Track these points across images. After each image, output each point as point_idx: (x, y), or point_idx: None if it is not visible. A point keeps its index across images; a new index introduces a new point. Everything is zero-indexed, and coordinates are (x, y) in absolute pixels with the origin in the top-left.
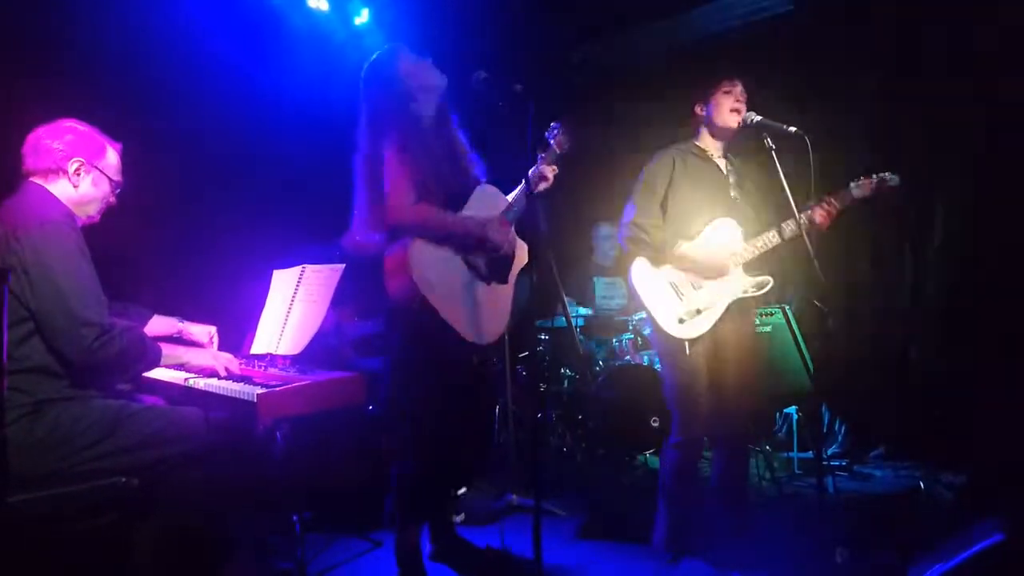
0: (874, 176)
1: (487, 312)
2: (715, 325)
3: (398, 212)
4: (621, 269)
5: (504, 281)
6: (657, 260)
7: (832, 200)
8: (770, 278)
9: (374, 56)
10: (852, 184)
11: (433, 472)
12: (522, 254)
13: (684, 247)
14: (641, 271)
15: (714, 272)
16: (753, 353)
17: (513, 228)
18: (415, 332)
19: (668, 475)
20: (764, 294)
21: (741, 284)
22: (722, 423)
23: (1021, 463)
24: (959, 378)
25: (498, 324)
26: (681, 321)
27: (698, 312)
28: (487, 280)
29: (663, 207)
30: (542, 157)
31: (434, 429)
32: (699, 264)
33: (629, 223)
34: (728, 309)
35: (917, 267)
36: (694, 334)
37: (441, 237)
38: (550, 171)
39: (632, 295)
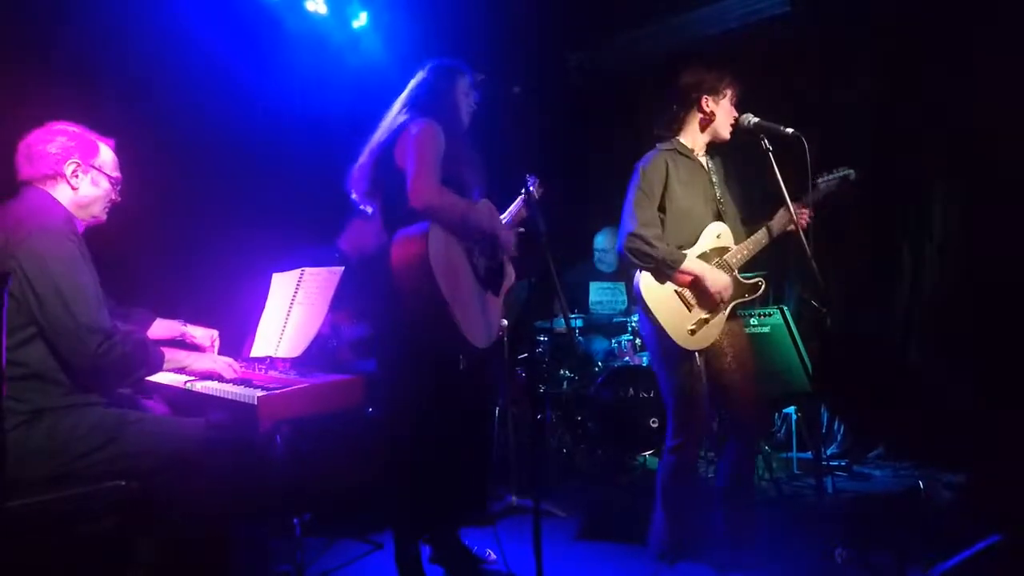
0: (835, 171)
1: (483, 317)
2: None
3: (427, 191)
4: (623, 275)
5: (496, 293)
6: (661, 275)
7: (804, 200)
8: (762, 280)
9: (446, 62)
10: (820, 181)
11: (432, 476)
12: (511, 273)
13: (688, 264)
14: (649, 283)
15: (720, 289)
16: (748, 346)
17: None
18: (413, 322)
19: (666, 478)
20: (760, 295)
21: (740, 289)
22: (737, 416)
23: (1020, 463)
24: (958, 377)
25: (489, 332)
26: (692, 332)
27: (705, 322)
28: (484, 287)
29: (660, 211)
30: (523, 200)
31: (424, 430)
32: (707, 284)
33: (630, 234)
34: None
35: (916, 267)
36: (705, 344)
37: (458, 223)
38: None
39: (641, 308)
